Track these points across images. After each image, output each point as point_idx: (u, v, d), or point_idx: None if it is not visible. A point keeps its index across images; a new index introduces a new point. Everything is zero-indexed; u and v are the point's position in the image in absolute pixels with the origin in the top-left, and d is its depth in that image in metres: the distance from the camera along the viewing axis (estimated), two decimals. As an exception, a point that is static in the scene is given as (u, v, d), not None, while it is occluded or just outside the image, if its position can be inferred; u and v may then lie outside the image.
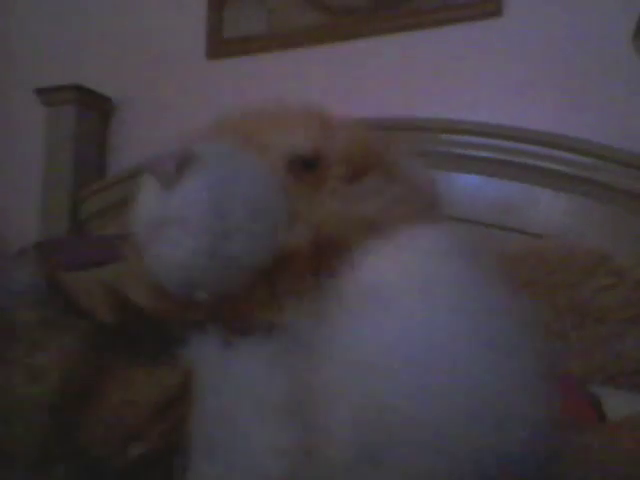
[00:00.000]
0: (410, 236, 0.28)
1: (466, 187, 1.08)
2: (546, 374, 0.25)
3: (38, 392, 0.27)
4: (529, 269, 0.70)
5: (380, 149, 0.40)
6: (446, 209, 1.06)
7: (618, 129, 1.04)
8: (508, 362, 0.25)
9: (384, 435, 0.23)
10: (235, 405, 0.28)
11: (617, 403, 0.49)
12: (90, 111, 1.42)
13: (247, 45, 1.33)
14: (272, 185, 0.33)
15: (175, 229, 0.30)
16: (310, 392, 0.25)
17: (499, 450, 0.23)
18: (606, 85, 1.07)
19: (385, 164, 0.39)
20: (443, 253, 0.28)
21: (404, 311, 0.25)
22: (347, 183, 0.36)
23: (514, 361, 0.25)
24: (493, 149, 1.06)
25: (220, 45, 1.37)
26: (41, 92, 1.42)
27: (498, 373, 0.24)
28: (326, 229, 0.32)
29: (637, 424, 0.34)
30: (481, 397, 0.24)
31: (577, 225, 0.99)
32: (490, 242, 1.00)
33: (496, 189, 1.06)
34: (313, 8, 1.27)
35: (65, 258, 0.82)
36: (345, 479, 0.23)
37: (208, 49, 1.39)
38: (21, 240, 0.59)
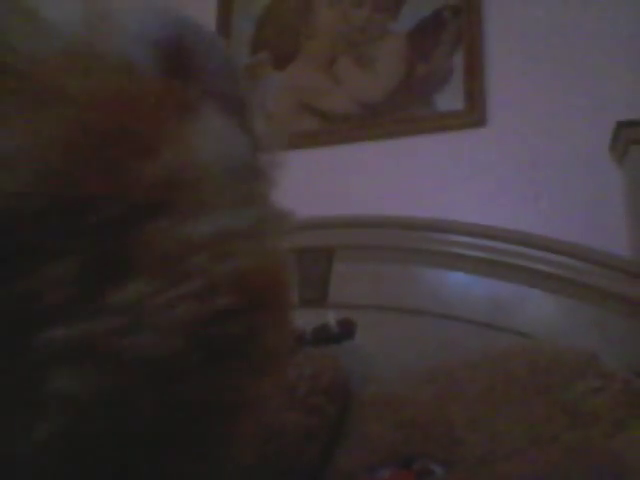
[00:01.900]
0: None
1: (456, 285, 1.10)
2: None
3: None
4: (518, 369, 0.70)
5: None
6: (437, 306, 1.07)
7: (602, 233, 1.07)
8: None
9: None
10: None
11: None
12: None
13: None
14: None
15: None
16: None
17: None
18: (588, 191, 1.12)
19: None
20: None
21: None
22: None
23: None
24: (483, 249, 1.09)
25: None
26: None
27: None
28: None
29: None
30: None
31: (565, 326, 0.99)
32: (480, 341, 1.00)
33: (486, 288, 1.08)
34: (309, 114, 1.35)
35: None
36: None
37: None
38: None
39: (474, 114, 1.21)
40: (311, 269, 1.17)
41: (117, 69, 0.26)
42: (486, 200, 1.19)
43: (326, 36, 1.37)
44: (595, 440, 0.56)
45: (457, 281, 1.10)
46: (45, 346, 0.20)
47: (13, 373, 0.20)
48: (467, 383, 0.71)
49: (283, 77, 1.37)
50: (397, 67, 1.30)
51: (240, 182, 0.27)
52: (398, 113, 1.28)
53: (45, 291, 0.20)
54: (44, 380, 0.20)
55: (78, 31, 0.26)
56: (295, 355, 0.84)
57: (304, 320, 0.97)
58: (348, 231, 1.19)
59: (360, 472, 0.66)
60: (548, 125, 1.17)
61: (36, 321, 0.20)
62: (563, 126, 1.16)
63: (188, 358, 0.23)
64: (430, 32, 1.29)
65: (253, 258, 0.25)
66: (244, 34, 1.44)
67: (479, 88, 1.22)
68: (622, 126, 1.04)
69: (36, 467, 0.21)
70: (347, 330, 0.99)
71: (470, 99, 1.22)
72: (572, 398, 0.65)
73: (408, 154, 1.26)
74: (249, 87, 0.32)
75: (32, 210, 0.21)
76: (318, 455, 0.71)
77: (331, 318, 0.99)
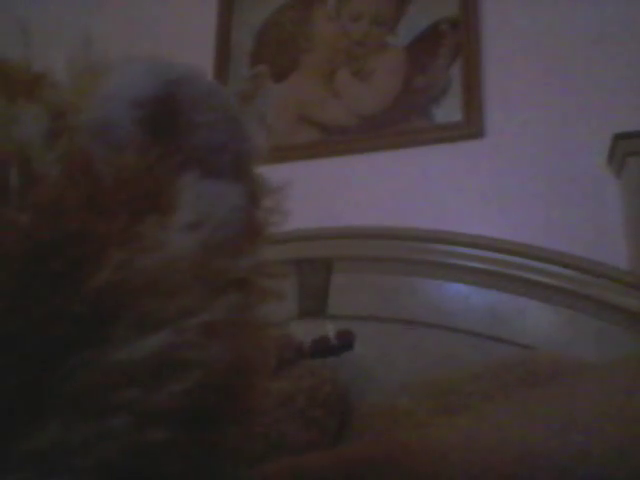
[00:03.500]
0: None
1: (456, 296, 1.09)
2: None
3: None
4: (517, 380, 0.70)
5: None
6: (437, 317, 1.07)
7: (601, 245, 1.08)
8: None
9: None
10: None
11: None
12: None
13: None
14: None
15: None
16: None
17: None
18: (587, 203, 1.12)
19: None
20: None
21: None
22: None
23: None
24: (482, 260, 1.09)
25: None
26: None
27: None
28: None
29: None
30: None
31: (564, 337, 0.99)
32: (479, 352, 1.00)
33: (485, 299, 1.08)
34: (308, 126, 1.36)
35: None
36: None
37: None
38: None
39: (472, 126, 1.22)
40: (310, 280, 1.17)
41: (77, 156, 0.24)
42: (485, 211, 1.19)
43: (325, 49, 1.38)
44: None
45: (456, 292, 1.10)
46: None
47: None
48: (467, 395, 0.71)
49: (282, 89, 1.38)
50: (395, 79, 1.31)
51: (218, 262, 0.25)
52: (396, 125, 1.29)
53: None
54: None
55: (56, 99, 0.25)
56: (294, 367, 0.83)
57: (303, 332, 0.97)
58: (347, 242, 1.19)
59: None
60: (546, 137, 1.18)
61: None
62: (561, 138, 1.17)
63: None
64: (428, 45, 1.30)
65: (205, 371, 0.22)
66: (243, 47, 1.45)
67: (477, 100, 1.22)
68: (619, 138, 1.04)
69: None
70: (346, 342, 0.98)
71: (468, 111, 1.23)
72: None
73: (407, 166, 1.26)
74: (250, 132, 0.29)
75: None
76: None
77: (330, 329, 0.99)
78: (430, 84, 1.28)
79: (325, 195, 1.29)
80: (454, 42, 1.27)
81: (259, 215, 0.29)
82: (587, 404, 0.27)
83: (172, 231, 0.24)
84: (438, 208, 1.21)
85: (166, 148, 0.26)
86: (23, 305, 0.20)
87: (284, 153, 1.35)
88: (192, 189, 0.25)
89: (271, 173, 0.31)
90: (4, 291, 0.20)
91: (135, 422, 0.21)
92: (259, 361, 0.26)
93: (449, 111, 1.25)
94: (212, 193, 0.26)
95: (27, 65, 0.26)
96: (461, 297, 1.09)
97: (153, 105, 0.26)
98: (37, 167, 0.22)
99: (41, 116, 0.24)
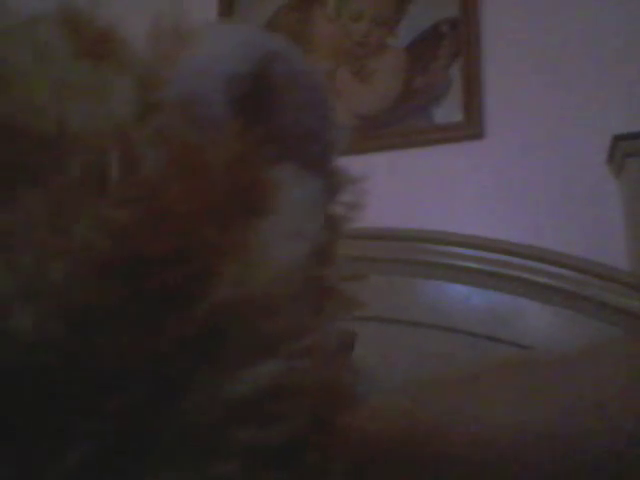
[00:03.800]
0: None
1: (456, 297, 1.10)
2: None
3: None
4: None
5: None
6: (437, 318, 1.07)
7: (600, 245, 1.08)
8: None
9: None
10: None
11: None
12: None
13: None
14: None
15: None
16: None
17: None
18: (587, 204, 1.12)
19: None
20: None
21: None
22: None
23: None
24: (482, 261, 1.09)
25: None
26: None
27: None
28: None
29: None
30: None
31: (564, 338, 0.99)
32: (479, 353, 1.00)
33: (485, 300, 1.08)
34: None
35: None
36: None
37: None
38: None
39: (472, 126, 1.22)
40: (310, 281, 1.16)
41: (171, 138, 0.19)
42: (485, 212, 1.19)
43: (325, 49, 1.38)
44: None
45: (456, 293, 1.10)
46: None
47: None
48: (467, 395, 0.71)
49: (282, 90, 1.38)
50: (395, 80, 1.31)
51: (319, 271, 0.21)
52: (396, 126, 1.29)
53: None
54: None
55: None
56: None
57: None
58: (347, 243, 1.19)
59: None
60: (546, 137, 1.18)
61: None
62: (561, 139, 1.17)
63: None
64: (428, 45, 1.30)
65: (314, 399, 0.19)
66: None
67: (477, 101, 1.23)
68: (619, 139, 1.04)
69: None
70: (346, 342, 0.98)
71: (468, 111, 1.23)
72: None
73: (406, 166, 1.26)
74: (335, 119, 0.26)
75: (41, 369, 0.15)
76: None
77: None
78: (430, 85, 1.28)
79: (325, 195, 1.29)
80: (454, 43, 1.27)
81: (339, 211, 0.26)
82: (589, 386, 0.26)
83: (279, 237, 0.20)
84: (438, 209, 1.22)
85: (261, 134, 0.21)
86: (126, 333, 0.16)
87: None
88: (291, 184, 0.22)
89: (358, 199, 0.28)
90: (103, 313, 0.16)
91: (248, 466, 0.17)
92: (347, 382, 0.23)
93: (449, 112, 1.25)
94: (308, 189, 0.22)
95: (105, 25, 0.21)
96: (461, 298, 1.09)
97: (249, 82, 0.22)
98: (138, 153, 0.18)
99: (133, 87, 0.19)
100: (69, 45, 0.19)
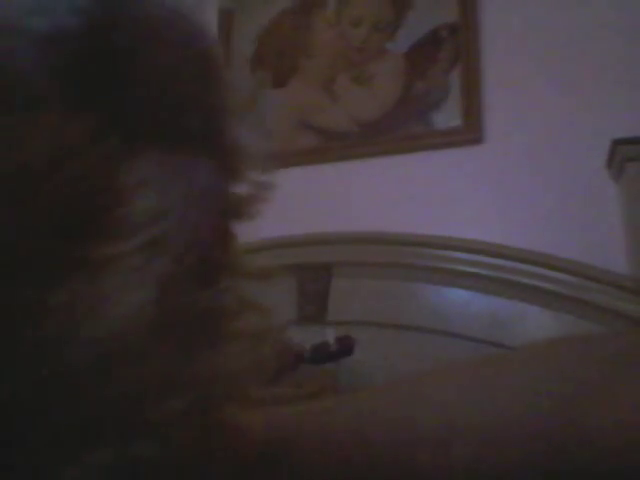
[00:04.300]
0: None
1: (456, 302, 1.10)
2: None
3: None
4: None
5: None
6: (437, 322, 1.06)
7: (600, 250, 1.08)
8: None
9: None
10: None
11: None
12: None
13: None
14: None
15: None
16: None
17: None
18: (586, 208, 1.12)
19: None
20: None
21: None
22: None
23: None
24: (482, 266, 1.09)
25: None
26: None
27: None
28: None
29: None
30: None
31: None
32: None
33: (485, 304, 1.08)
34: (308, 132, 1.36)
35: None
36: None
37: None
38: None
39: (472, 131, 1.22)
40: (310, 285, 1.17)
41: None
42: (485, 217, 1.19)
43: (325, 55, 1.39)
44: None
45: (456, 298, 1.10)
46: None
47: None
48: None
49: (282, 95, 1.38)
50: (395, 85, 1.31)
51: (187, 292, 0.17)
52: (396, 131, 1.29)
53: None
54: None
55: None
56: (293, 373, 0.83)
57: (303, 337, 0.97)
58: (347, 247, 1.19)
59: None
60: (545, 142, 1.18)
61: None
62: (561, 143, 1.17)
63: None
64: (427, 50, 1.30)
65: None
66: (244, 53, 1.45)
67: (477, 105, 1.23)
68: (618, 144, 1.04)
69: None
70: (346, 347, 0.98)
71: (468, 116, 1.23)
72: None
73: (406, 171, 1.26)
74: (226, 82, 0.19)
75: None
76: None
77: (330, 335, 0.99)
78: (429, 90, 1.28)
79: (325, 201, 1.29)
80: (453, 48, 1.28)
81: (241, 193, 0.20)
82: (552, 372, 0.24)
83: (124, 265, 0.15)
84: (438, 213, 1.22)
85: (104, 116, 0.15)
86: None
87: (284, 159, 1.36)
88: (152, 182, 0.16)
89: (270, 178, 0.26)
90: None
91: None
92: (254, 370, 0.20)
93: (449, 117, 1.25)
94: (179, 180, 0.17)
95: None
96: (461, 302, 1.09)
97: (82, 41, 0.15)
98: None
99: None
100: None
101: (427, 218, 1.21)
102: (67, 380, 0.15)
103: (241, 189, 0.20)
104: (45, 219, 0.14)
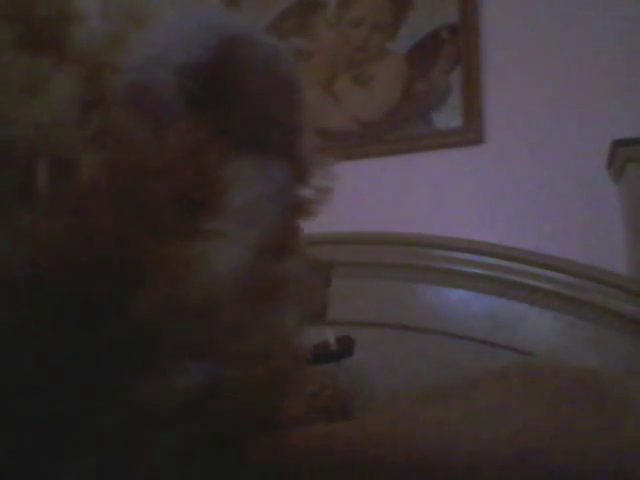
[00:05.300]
0: None
1: (456, 302, 1.10)
2: None
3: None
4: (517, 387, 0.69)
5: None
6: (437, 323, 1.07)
7: (600, 250, 1.08)
8: None
9: None
10: None
11: None
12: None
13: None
14: None
15: None
16: None
17: None
18: (586, 209, 1.13)
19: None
20: None
21: None
22: None
23: None
24: (482, 266, 1.09)
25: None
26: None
27: None
28: None
29: None
30: None
31: (564, 343, 0.99)
32: (479, 358, 1.00)
33: (485, 305, 1.08)
34: (308, 132, 1.36)
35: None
36: None
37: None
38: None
39: (472, 132, 1.22)
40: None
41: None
42: (485, 217, 1.19)
43: (325, 55, 1.39)
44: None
45: (457, 298, 1.10)
46: None
47: None
48: (467, 402, 0.71)
49: (283, 95, 1.38)
50: (395, 85, 1.31)
51: (267, 268, 0.21)
52: (397, 131, 1.29)
53: None
54: None
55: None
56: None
57: (303, 337, 0.97)
58: (348, 248, 1.19)
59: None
60: (545, 143, 1.18)
61: None
62: (561, 144, 1.17)
63: None
64: (428, 51, 1.30)
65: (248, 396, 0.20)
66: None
67: (477, 106, 1.23)
68: (618, 144, 1.04)
69: None
70: (346, 347, 0.98)
71: (468, 117, 1.23)
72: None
73: (407, 172, 1.27)
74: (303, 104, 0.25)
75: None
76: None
77: (330, 335, 0.99)
78: (430, 90, 1.28)
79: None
80: (454, 48, 1.28)
81: (306, 196, 0.26)
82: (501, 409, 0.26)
83: (225, 239, 0.19)
84: (438, 214, 1.22)
85: (217, 126, 0.21)
86: (52, 337, 0.17)
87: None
88: (245, 178, 0.21)
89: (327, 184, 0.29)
90: (32, 320, 0.16)
91: (179, 462, 0.18)
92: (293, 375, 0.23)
93: (449, 117, 1.25)
94: (264, 179, 0.22)
95: (56, 6, 0.20)
96: (461, 303, 1.09)
97: (206, 71, 0.20)
98: (73, 157, 0.17)
99: (74, 80, 0.18)
100: (7, 35, 0.18)
101: (427, 218, 1.21)
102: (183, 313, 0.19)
103: (306, 191, 0.26)
104: (179, 196, 0.19)
